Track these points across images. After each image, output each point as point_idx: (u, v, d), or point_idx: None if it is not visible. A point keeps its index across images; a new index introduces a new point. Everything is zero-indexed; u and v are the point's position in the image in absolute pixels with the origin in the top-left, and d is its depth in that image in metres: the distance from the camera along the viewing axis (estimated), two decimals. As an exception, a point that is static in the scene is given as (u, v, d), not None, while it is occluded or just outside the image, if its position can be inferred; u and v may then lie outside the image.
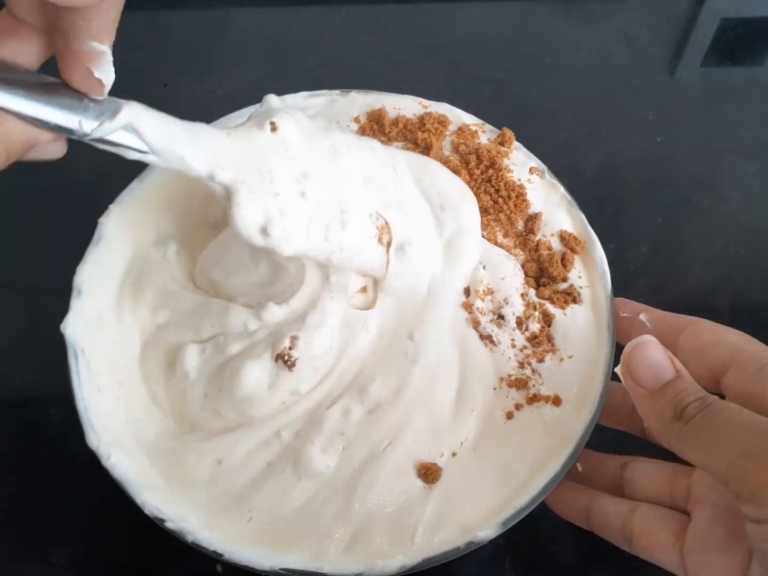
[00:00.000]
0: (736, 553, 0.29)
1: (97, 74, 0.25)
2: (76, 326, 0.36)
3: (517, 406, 0.36)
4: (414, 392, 0.35)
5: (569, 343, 0.37)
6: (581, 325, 0.38)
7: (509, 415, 0.36)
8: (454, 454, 0.35)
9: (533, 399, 0.36)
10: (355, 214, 0.34)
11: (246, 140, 0.31)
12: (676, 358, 0.30)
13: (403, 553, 0.32)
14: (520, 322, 0.38)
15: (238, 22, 0.65)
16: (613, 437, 0.39)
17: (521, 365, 0.37)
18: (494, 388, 0.36)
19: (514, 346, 0.37)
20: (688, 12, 0.68)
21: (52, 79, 0.26)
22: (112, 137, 0.27)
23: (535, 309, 0.38)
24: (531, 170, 0.42)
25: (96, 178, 0.46)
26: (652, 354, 0.30)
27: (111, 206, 0.39)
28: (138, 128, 0.27)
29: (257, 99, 0.43)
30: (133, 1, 0.67)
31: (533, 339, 0.37)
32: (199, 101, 0.57)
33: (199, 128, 0.30)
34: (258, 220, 0.30)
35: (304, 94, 0.43)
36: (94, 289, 0.37)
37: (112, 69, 0.26)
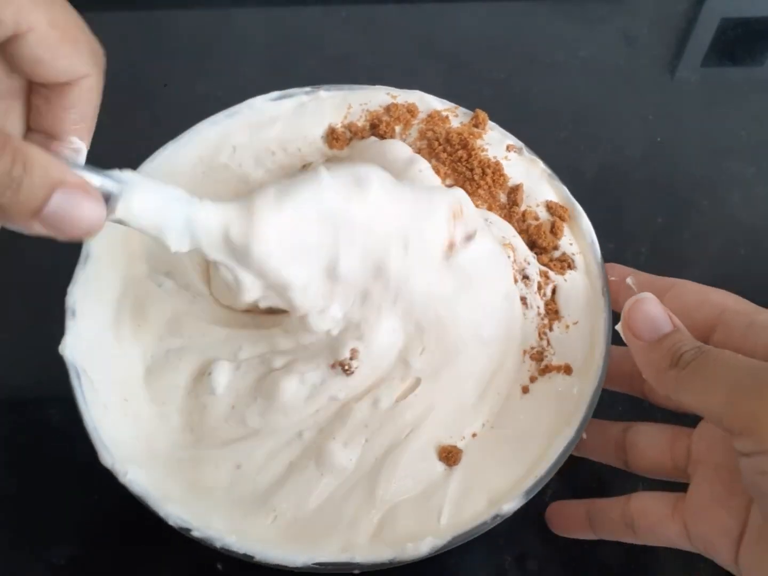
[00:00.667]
0: (736, 508, 0.30)
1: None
2: (74, 347, 0.35)
3: (532, 379, 0.36)
4: (460, 367, 0.35)
5: (571, 310, 0.37)
6: (581, 290, 0.38)
7: (525, 390, 0.36)
8: (474, 435, 0.35)
9: (545, 370, 0.36)
10: None
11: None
12: (671, 313, 0.31)
13: (432, 534, 0.32)
14: (539, 287, 0.37)
15: (238, 22, 0.65)
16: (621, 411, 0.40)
17: (540, 336, 0.37)
18: (522, 362, 0.36)
19: (539, 313, 0.37)
20: (688, 12, 0.68)
21: None
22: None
23: (544, 276, 0.38)
24: (508, 148, 0.42)
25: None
26: (650, 308, 0.31)
27: None
28: (130, 222, 0.26)
29: (257, 99, 0.43)
30: (133, 1, 0.67)
31: (547, 306, 0.37)
32: (199, 101, 0.57)
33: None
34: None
35: (274, 94, 0.43)
36: (89, 309, 0.36)
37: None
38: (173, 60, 0.63)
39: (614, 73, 0.64)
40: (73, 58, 0.25)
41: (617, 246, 0.52)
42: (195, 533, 0.31)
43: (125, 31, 0.63)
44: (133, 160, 0.40)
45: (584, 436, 0.36)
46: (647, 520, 0.33)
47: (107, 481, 0.32)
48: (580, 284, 0.38)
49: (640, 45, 0.66)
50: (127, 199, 0.26)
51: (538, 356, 0.36)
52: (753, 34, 0.68)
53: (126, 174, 0.26)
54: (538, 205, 0.40)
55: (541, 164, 0.41)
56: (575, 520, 0.37)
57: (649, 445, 0.36)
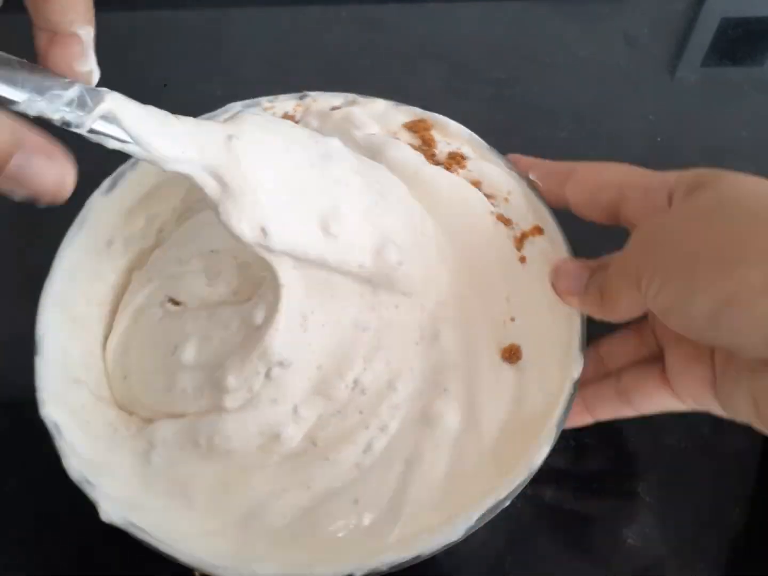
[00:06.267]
0: (703, 357, 0.33)
1: (80, 66, 0.25)
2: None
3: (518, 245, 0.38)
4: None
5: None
6: (492, 171, 0.40)
7: (522, 260, 0.37)
8: (513, 319, 0.36)
9: (524, 236, 0.38)
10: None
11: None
12: (587, 261, 0.35)
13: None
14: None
15: (238, 22, 0.65)
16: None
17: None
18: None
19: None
20: (688, 12, 0.68)
21: (33, 65, 0.25)
22: (94, 125, 0.25)
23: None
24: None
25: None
26: (566, 267, 0.35)
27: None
28: (120, 119, 0.26)
29: (257, 99, 0.43)
30: (134, 1, 0.67)
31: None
32: (199, 101, 0.56)
33: (186, 122, 0.29)
34: (253, 222, 0.29)
35: (268, 98, 0.43)
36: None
37: (94, 59, 0.26)
38: (173, 60, 0.63)
39: (614, 73, 0.64)
40: None
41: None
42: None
43: (125, 31, 0.63)
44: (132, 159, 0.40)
45: None
46: (643, 391, 0.35)
47: (107, 481, 0.32)
48: (489, 169, 0.39)
49: (640, 45, 0.66)
50: (114, 98, 0.26)
51: (504, 219, 0.38)
52: (753, 34, 0.68)
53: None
54: (396, 132, 0.41)
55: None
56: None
57: (622, 345, 0.38)
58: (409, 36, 0.64)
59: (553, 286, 0.35)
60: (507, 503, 0.31)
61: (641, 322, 0.37)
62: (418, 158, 0.39)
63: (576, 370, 0.34)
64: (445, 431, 0.33)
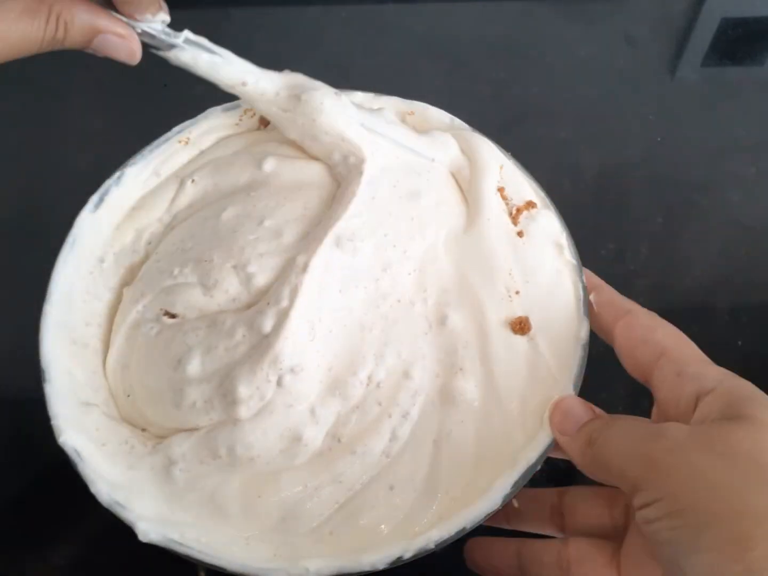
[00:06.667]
0: None
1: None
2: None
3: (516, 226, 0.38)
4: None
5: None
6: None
7: (520, 234, 0.38)
8: (517, 292, 0.36)
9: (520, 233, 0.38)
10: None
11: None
12: (594, 406, 0.33)
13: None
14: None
15: (238, 22, 0.65)
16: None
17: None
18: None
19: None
20: (688, 12, 0.68)
21: None
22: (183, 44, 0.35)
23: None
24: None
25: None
26: (569, 405, 0.33)
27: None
28: (202, 42, 0.36)
29: (257, 99, 0.43)
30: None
31: None
32: (199, 101, 0.57)
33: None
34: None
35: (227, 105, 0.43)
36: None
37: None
38: (173, 60, 0.62)
39: (614, 73, 0.64)
40: None
41: (617, 246, 0.52)
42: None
43: (125, 31, 0.63)
44: (133, 160, 0.40)
45: (516, 504, 0.35)
46: (585, 566, 0.33)
47: (107, 481, 0.32)
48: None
49: (641, 45, 0.66)
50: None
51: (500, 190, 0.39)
52: (753, 34, 0.68)
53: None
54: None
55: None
56: (502, 559, 0.36)
57: (588, 506, 0.36)
58: (409, 36, 0.64)
59: (549, 418, 0.33)
60: (538, 467, 0.32)
61: (617, 490, 0.34)
62: None
63: (583, 331, 0.35)
64: (467, 407, 0.34)
